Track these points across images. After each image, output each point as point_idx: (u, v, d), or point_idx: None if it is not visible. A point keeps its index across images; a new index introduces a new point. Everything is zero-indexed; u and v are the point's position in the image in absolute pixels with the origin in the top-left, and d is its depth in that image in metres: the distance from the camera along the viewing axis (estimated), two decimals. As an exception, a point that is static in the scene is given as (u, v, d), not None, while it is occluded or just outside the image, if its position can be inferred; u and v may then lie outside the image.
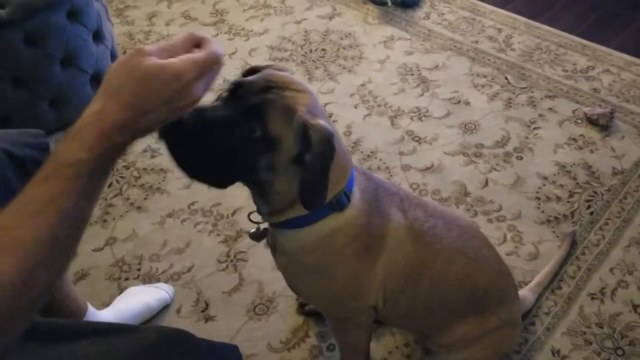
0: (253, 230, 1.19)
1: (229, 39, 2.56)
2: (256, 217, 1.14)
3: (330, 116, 2.18)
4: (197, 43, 0.81)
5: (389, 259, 1.15)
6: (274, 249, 1.19)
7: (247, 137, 0.93)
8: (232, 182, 1.00)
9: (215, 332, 1.56)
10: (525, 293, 1.55)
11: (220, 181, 0.99)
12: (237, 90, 0.96)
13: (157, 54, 0.76)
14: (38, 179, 0.68)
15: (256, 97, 0.94)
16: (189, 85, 0.76)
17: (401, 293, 1.21)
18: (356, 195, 1.09)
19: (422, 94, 2.28)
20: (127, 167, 2.01)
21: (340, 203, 1.07)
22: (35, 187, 0.68)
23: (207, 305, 1.63)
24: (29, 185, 0.68)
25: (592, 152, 2.05)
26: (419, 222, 1.18)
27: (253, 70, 1.03)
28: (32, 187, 0.68)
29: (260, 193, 1.04)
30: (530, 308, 1.58)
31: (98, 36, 2.19)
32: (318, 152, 0.93)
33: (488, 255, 1.30)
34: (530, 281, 1.62)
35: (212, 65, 0.79)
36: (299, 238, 1.10)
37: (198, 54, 0.78)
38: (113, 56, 2.33)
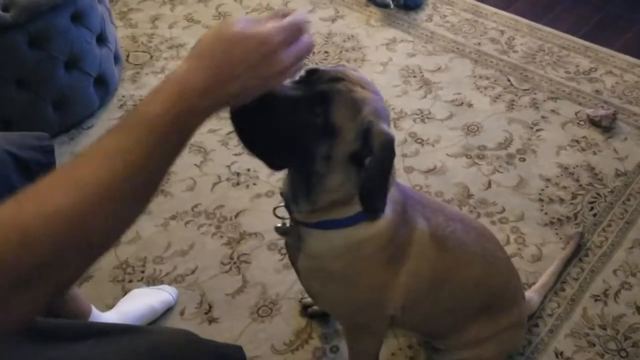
0: (279, 225, 1.16)
1: (231, 42, 2.56)
2: (281, 212, 1.13)
3: (333, 118, 2.19)
4: (284, 15, 0.79)
5: (413, 269, 1.14)
6: (298, 249, 1.14)
7: (310, 120, 0.92)
8: (286, 166, 1.01)
9: (218, 334, 1.57)
10: (531, 295, 1.56)
11: (275, 161, 0.99)
12: (310, 76, 0.96)
13: (246, 22, 0.74)
14: (113, 128, 0.65)
15: (326, 84, 0.94)
16: (275, 51, 0.73)
17: (424, 300, 1.20)
18: (388, 206, 1.06)
19: (425, 96, 2.28)
20: (130, 170, 2.01)
21: (375, 213, 1.03)
22: (108, 136, 0.65)
23: (210, 307, 1.64)
24: (103, 135, 0.65)
25: (594, 153, 2.05)
26: (441, 228, 1.17)
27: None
28: (105, 136, 0.65)
29: (308, 187, 1.01)
30: (536, 309, 1.58)
31: (102, 39, 2.20)
32: (379, 156, 0.93)
33: (502, 257, 1.32)
34: (534, 283, 1.63)
35: (298, 28, 0.77)
36: (329, 240, 1.08)
37: (283, 21, 0.76)
38: (116, 59, 2.33)
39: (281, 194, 1.12)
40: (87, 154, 0.64)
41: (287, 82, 0.93)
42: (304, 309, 1.61)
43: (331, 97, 0.93)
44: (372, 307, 1.19)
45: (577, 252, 1.74)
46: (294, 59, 0.77)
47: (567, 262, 1.70)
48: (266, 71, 0.73)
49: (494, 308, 1.30)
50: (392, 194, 1.08)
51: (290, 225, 1.14)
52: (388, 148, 0.93)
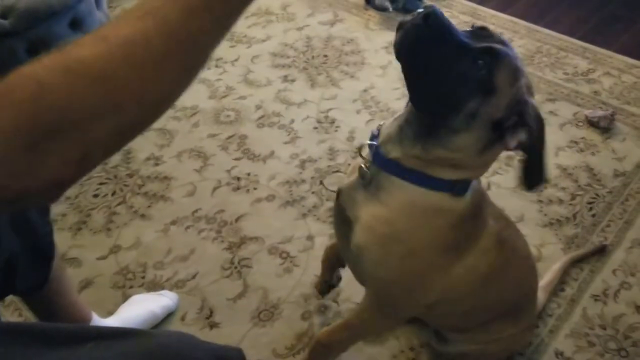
0: (364, 169, 1.06)
1: (230, 47, 2.58)
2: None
3: (333, 122, 2.19)
4: None
5: (472, 264, 1.11)
6: (365, 200, 1.07)
7: (472, 71, 0.91)
8: (430, 108, 0.96)
9: (220, 338, 1.57)
10: (537, 294, 1.56)
11: (423, 99, 0.96)
12: (480, 31, 0.96)
13: None
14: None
15: (499, 44, 0.93)
16: None
17: (467, 296, 1.17)
18: (469, 191, 1.05)
19: (424, 99, 2.28)
20: (130, 175, 2.02)
21: (461, 188, 1.03)
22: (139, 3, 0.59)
23: (211, 312, 1.64)
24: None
25: (593, 154, 2.05)
26: (502, 229, 1.18)
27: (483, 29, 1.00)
28: (140, 1, 0.59)
29: (435, 137, 0.97)
30: (542, 308, 1.59)
31: (101, 46, 2.21)
32: (536, 131, 0.93)
33: (533, 263, 1.35)
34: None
35: None
36: (409, 194, 1.03)
37: None
38: (116, 65, 2.34)
39: (378, 131, 1.07)
40: (121, 16, 0.59)
41: (460, 30, 0.93)
42: (324, 284, 1.55)
43: (501, 57, 0.92)
44: (417, 290, 1.13)
45: (590, 257, 1.73)
46: None
47: (575, 262, 1.71)
48: None
49: (522, 309, 1.33)
50: (475, 184, 1.08)
51: (368, 170, 1.06)
52: (541, 123, 0.94)
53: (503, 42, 0.95)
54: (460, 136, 0.95)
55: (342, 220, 1.14)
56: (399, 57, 0.92)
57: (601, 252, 1.74)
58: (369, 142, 1.07)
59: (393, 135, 1.02)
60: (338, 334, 1.29)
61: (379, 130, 1.07)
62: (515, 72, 0.94)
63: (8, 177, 0.55)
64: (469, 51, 0.90)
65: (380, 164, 1.04)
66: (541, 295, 1.57)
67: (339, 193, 1.15)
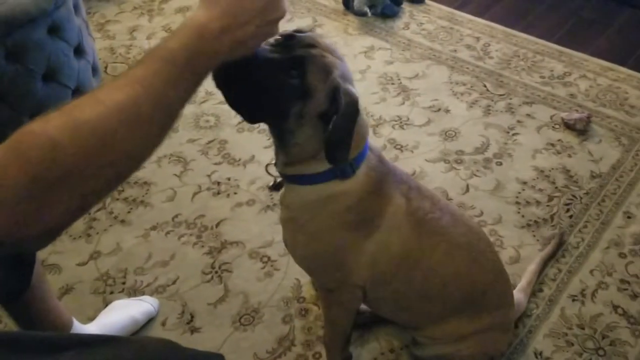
0: (272, 183, 1.28)
1: (210, 52, 2.58)
2: (273, 170, 1.21)
3: (313, 126, 2.20)
4: None
5: (383, 240, 1.20)
6: (282, 203, 1.24)
7: (286, 82, 1.01)
8: (261, 120, 1.09)
9: (201, 343, 1.56)
10: (519, 296, 1.58)
11: (252, 116, 1.08)
12: (288, 40, 1.05)
13: None
14: (136, 62, 0.70)
15: (303, 50, 1.03)
16: None
17: (394, 277, 1.25)
18: (362, 170, 1.15)
19: (403, 103, 2.31)
20: (110, 181, 2.01)
21: (343, 172, 1.13)
22: (131, 68, 0.70)
23: (192, 317, 1.64)
24: (127, 68, 0.72)
25: (570, 156, 2.08)
26: (423, 211, 1.23)
27: (297, 31, 1.10)
28: (128, 69, 0.70)
29: (282, 141, 1.11)
30: (524, 309, 1.60)
31: (79, 51, 2.20)
32: (345, 113, 1.02)
33: (491, 259, 1.34)
34: (514, 284, 1.64)
35: None
36: (301, 195, 1.17)
37: None
38: (95, 71, 2.33)
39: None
40: (109, 83, 0.68)
41: (266, 44, 1.02)
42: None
43: (307, 62, 1.02)
44: (337, 267, 1.24)
45: (557, 251, 1.77)
46: (287, 6, 0.84)
47: (547, 261, 1.73)
48: (272, 15, 0.80)
49: (477, 306, 1.32)
50: (371, 162, 1.17)
51: (280, 181, 1.24)
52: (353, 106, 1.04)
53: (310, 45, 1.04)
54: (300, 134, 1.07)
55: None
56: (221, 89, 1.01)
57: (561, 239, 1.78)
58: (272, 162, 1.22)
59: (276, 157, 1.18)
60: (326, 330, 1.44)
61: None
62: (325, 69, 1.03)
63: (15, 224, 0.62)
64: (280, 65, 1.01)
65: (282, 178, 1.21)
66: (522, 297, 1.59)
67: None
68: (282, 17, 0.83)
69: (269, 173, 1.25)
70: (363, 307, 1.60)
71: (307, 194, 1.16)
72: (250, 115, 1.07)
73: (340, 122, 1.02)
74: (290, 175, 1.16)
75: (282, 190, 1.23)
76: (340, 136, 1.04)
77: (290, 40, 1.05)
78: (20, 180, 0.61)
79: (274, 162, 1.20)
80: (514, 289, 1.61)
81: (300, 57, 1.02)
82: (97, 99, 0.66)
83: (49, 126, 0.63)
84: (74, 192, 0.65)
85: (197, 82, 0.75)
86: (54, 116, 0.64)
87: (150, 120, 0.69)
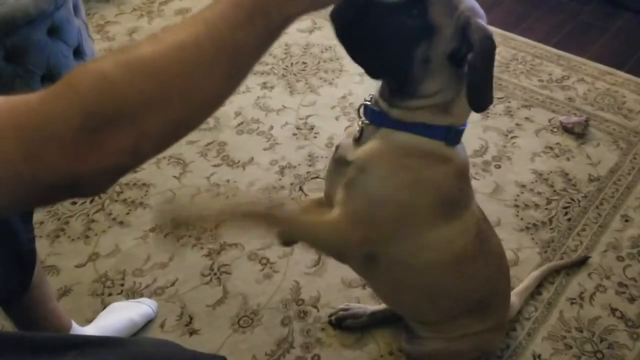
0: (359, 130, 1.09)
1: (209, 54, 2.58)
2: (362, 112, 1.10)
3: (312, 128, 2.21)
4: None
5: (447, 236, 1.11)
6: (356, 143, 1.08)
7: (407, 22, 0.92)
8: (384, 73, 1.00)
9: (199, 345, 1.56)
10: (513, 299, 1.58)
11: (374, 68, 0.99)
12: None
13: None
14: (202, 8, 0.64)
15: None
16: None
17: (442, 270, 1.16)
18: (462, 146, 1.07)
19: (402, 106, 2.31)
20: (109, 183, 2.01)
21: (453, 138, 1.04)
22: (194, 14, 0.64)
23: (191, 319, 1.63)
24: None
25: (568, 159, 2.09)
26: (482, 219, 1.21)
27: None
28: (191, 15, 0.65)
29: (405, 96, 1.01)
30: (515, 313, 1.61)
31: (79, 52, 2.20)
32: (480, 51, 0.91)
33: (506, 265, 1.37)
34: (512, 287, 1.65)
35: None
36: (401, 139, 1.03)
37: None
38: (94, 72, 2.33)
39: (371, 98, 1.09)
40: (174, 25, 0.65)
41: None
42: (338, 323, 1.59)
43: None
44: (395, 218, 1.07)
45: (570, 267, 1.75)
46: None
47: (555, 272, 1.73)
48: None
49: (489, 308, 1.33)
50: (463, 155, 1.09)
51: (363, 127, 1.09)
52: (487, 41, 0.92)
53: None
54: (426, 83, 0.97)
55: (339, 165, 1.12)
56: (342, 42, 0.95)
57: (582, 263, 1.76)
58: (363, 102, 1.10)
59: (379, 94, 1.06)
60: (303, 237, 1.17)
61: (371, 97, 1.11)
62: (450, 3, 0.94)
63: (69, 158, 0.59)
64: (400, 6, 0.91)
65: (372, 119, 1.07)
66: (516, 301, 1.59)
67: (337, 147, 1.16)
68: None
69: (359, 115, 1.09)
70: (361, 309, 1.61)
71: (408, 140, 1.02)
72: (372, 67, 0.99)
73: (477, 61, 0.92)
74: (395, 120, 1.03)
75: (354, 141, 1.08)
76: (480, 78, 0.93)
77: None
78: (71, 113, 0.58)
79: (366, 102, 1.08)
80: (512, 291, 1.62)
81: None
82: (156, 38, 0.62)
83: (103, 62, 0.61)
84: (128, 130, 0.60)
85: (272, 30, 0.67)
86: (111, 54, 0.62)
87: (212, 63, 0.63)
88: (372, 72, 1.00)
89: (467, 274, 1.22)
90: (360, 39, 0.94)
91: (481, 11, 0.96)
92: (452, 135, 1.04)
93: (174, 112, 0.63)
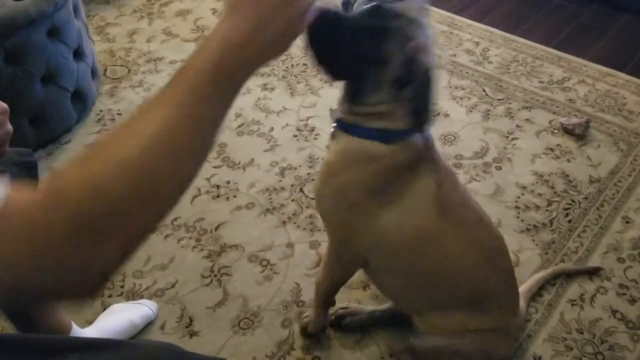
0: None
1: (210, 55, 2.58)
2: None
3: (313, 130, 2.20)
4: None
5: (402, 213, 1.23)
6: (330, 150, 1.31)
7: (364, 51, 1.10)
8: (343, 78, 1.19)
9: (200, 347, 1.56)
10: (520, 303, 1.57)
11: (334, 74, 1.19)
12: (375, 10, 1.11)
13: None
14: (166, 84, 0.67)
15: (386, 20, 1.10)
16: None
17: (402, 251, 1.28)
18: (406, 144, 1.21)
19: (402, 107, 2.30)
20: (109, 184, 2.00)
21: (389, 137, 1.20)
22: (162, 89, 0.67)
23: (191, 320, 1.63)
24: (158, 90, 0.67)
25: (569, 161, 2.09)
26: (451, 201, 1.26)
27: None
28: (159, 90, 0.67)
29: (355, 97, 1.19)
30: (524, 316, 1.59)
31: (79, 54, 2.20)
32: (420, 83, 1.11)
33: (505, 266, 1.37)
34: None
35: None
36: (346, 143, 1.24)
37: None
38: (94, 74, 2.33)
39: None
40: (142, 107, 0.66)
41: (356, 11, 1.11)
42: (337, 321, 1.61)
43: (389, 32, 1.10)
44: (346, 224, 1.29)
45: (576, 274, 1.75)
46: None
47: (560, 276, 1.73)
48: (293, 12, 0.73)
49: (481, 305, 1.33)
50: (415, 141, 1.22)
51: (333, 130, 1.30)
52: (428, 75, 1.11)
53: (396, 14, 1.11)
54: (372, 95, 1.16)
55: None
56: (312, 50, 1.12)
57: (593, 273, 1.74)
58: (333, 108, 1.30)
59: (339, 101, 1.25)
60: (320, 275, 1.47)
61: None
62: (404, 39, 1.10)
63: (58, 268, 0.60)
64: (364, 34, 1.09)
65: (335, 123, 1.28)
66: (523, 305, 1.58)
67: None
68: (305, 11, 0.74)
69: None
70: (360, 307, 1.61)
71: (350, 144, 1.23)
72: (332, 73, 1.18)
73: (417, 91, 1.12)
74: (346, 123, 1.24)
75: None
76: (419, 104, 1.13)
77: (377, 10, 1.11)
78: (62, 223, 0.59)
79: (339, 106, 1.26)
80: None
81: (383, 27, 1.10)
82: (133, 131, 0.63)
83: (89, 165, 0.62)
84: (119, 233, 0.62)
85: (232, 96, 0.70)
86: (93, 153, 0.63)
87: (187, 148, 0.66)
88: (332, 77, 1.20)
89: (438, 256, 1.27)
90: (327, 51, 1.12)
91: (429, 47, 1.14)
92: (387, 135, 1.20)
93: (159, 203, 0.65)
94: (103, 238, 0.61)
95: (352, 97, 1.20)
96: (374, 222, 1.25)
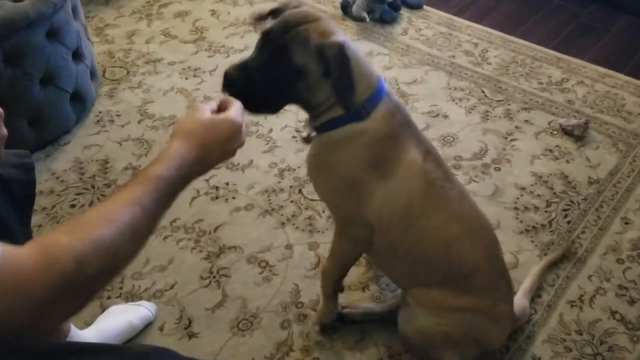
0: (305, 134, 1.43)
1: (209, 56, 2.58)
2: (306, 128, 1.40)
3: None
4: (220, 106, 1.05)
5: (395, 188, 1.28)
6: (311, 149, 1.38)
7: (282, 72, 1.18)
8: (283, 106, 1.27)
9: (199, 348, 1.56)
10: (523, 302, 1.58)
11: (275, 109, 1.27)
12: (265, 38, 1.20)
13: (208, 111, 1.01)
14: (129, 183, 0.87)
15: (279, 39, 1.18)
16: (240, 130, 1.01)
17: (392, 227, 1.32)
18: (378, 113, 1.26)
19: (401, 108, 2.30)
20: (108, 185, 2.01)
21: (357, 114, 1.25)
22: (126, 188, 0.85)
23: (190, 322, 1.63)
24: (118, 190, 0.86)
25: (568, 162, 2.09)
26: (435, 176, 1.30)
27: (277, 10, 1.27)
28: (123, 189, 0.86)
29: (307, 107, 1.27)
30: (530, 313, 1.61)
31: (78, 55, 2.20)
32: (335, 63, 1.16)
33: (488, 245, 1.38)
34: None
35: (243, 110, 1.05)
36: (327, 138, 1.30)
37: (236, 107, 1.03)
38: (93, 75, 2.33)
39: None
40: (112, 201, 0.84)
41: (254, 52, 1.21)
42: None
43: (287, 48, 1.17)
44: (352, 198, 1.32)
45: (563, 258, 1.77)
46: (247, 134, 1.05)
47: (552, 265, 1.74)
48: (234, 145, 1.01)
49: (464, 284, 1.34)
50: (389, 109, 1.27)
51: (312, 134, 1.38)
52: (338, 52, 1.16)
53: (285, 29, 1.18)
54: (315, 97, 1.23)
55: None
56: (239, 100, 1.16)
57: (571, 252, 1.79)
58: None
59: (306, 121, 1.36)
60: (328, 262, 1.50)
61: None
62: (304, 43, 1.16)
63: (31, 322, 0.73)
64: (271, 64, 1.18)
65: (311, 132, 1.37)
66: (526, 303, 1.59)
67: None
68: (241, 146, 1.02)
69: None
70: (356, 304, 1.62)
71: (331, 136, 1.29)
72: (273, 109, 1.26)
73: (336, 73, 1.17)
74: (318, 125, 1.30)
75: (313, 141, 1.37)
76: (342, 84, 1.18)
77: (268, 34, 1.19)
78: (47, 289, 0.71)
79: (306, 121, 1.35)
80: (515, 293, 1.61)
81: (281, 47, 1.17)
82: (108, 219, 0.79)
83: (77, 238, 0.75)
84: (86, 297, 0.79)
85: (176, 197, 0.92)
86: (80, 227, 0.78)
87: (146, 235, 0.86)
88: (274, 112, 1.28)
89: (422, 230, 1.31)
90: (254, 99, 1.19)
91: (331, 27, 1.21)
92: (358, 112, 1.25)
93: (117, 272, 0.84)
94: (74, 299, 0.76)
95: (306, 109, 1.28)
96: (375, 192, 1.29)
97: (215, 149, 0.97)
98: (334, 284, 1.51)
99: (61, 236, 0.75)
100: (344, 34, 1.24)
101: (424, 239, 1.32)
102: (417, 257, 1.35)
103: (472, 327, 1.37)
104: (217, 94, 2.36)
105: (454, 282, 1.34)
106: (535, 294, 1.67)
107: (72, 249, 0.74)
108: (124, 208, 0.81)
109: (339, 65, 1.17)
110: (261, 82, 1.18)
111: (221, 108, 1.04)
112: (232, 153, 1.02)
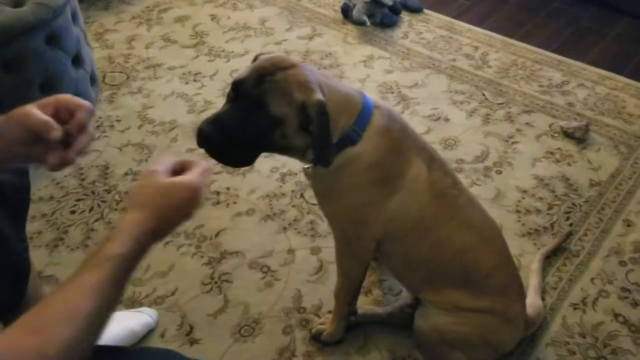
0: (306, 167, 1.37)
1: (209, 61, 2.58)
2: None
3: (312, 135, 2.20)
4: (181, 166, 1.00)
5: (403, 201, 1.27)
6: (313, 180, 1.37)
7: (258, 124, 1.15)
8: (258, 156, 1.23)
9: (200, 355, 1.55)
10: (534, 300, 1.59)
11: (250, 161, 1.24)
12: (238, 88, 1.17)
13: (165, 172, 0.96)
14: (86, 265, 0.85)
15: (253, 90, 1.15)
16: (199, 194, 0.95)
17: (405, 237, 1.33)
18: (372, 131, 1.24)
19: (403, 112, 2.30)
20: (108, 191, 2.00)
21: (350, 138, 1.23)
22: (84, 272, 0.84)
23: (191, 328, 1.62)
24: (78, 271, 0.84)
25: (569, 164, 2.08)
26: (443, 185, 1.30)
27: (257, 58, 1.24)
28: (81, 272, 0.84)
29: (286, 152, 1.25)
30: (544, 312, 1.61)
31: (77, 61, 2.20)
32: (317, 122, 1.15)
33: (500, 247, 1.39)
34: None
35: (208, 174, 1.00)
36: (324, 170, 1.25)
37: (198, 169, 0.97)
38: (92, 80, 2.33)
39: None
40: (72, 289, 0.83)
41: (225, 104, 1.19)
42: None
43: (263, 99, 1.14)
44: (359, 221, 1.32)
45: (557, 249, 1.79)
46: (207, 195, 1.03)
47: (548, 257, 1.76)
48: (193, 208, 0.96)
49: (478, 286, 1.34)
50: (381, 121, 1.25)
51: (307, 170, 1.38)
52: (320, 113, 1.15)
53: (258, 80, 1.15)
54: (293, 145, 1.21)
55: None
56: (222, 163, 1.23)
57: (567, 238, 1.80)
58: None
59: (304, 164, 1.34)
60: (337, 283, 1.49)
61: None
62: (282, 93, 1.14)
63: None
64: (245, 116, 1.15)
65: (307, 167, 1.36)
66: (538, 301, 1.60)
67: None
68: (197, 210, 0.97)
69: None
70: (357, 306, 1.61)
71: (328, 169, 1.25)
72: (248, 161, 1.24)
73: (316, 130, 1.15)
74: (311, 159, 1.26)
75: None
76: (322, 141, 1.16)
77: (240, 86, 1.16)
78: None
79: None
80: (532, 292, 1.62)
81: (256, 99, 1.14)
82: (69, 314, 0.80)
83: (45, 344, 0.76)
84: None
85: (137, 266, 0.89)
86: (43, 328, 0.77)
87: (108, 319, 0.85)
88: (249, 164, 1.26)
89: (436, 240, 1.31)
90: (228, 150, 1.18)
91: (312, 76, 1.18)
92: (347, 138, 1.23)
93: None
94: None
95: (286, 154, 1.26)
96: (383, 210, 1.28)
97: (172, 217, 0.93)
98: (348, 305, 1.52)
99: (30, 337, 0.76)
100: (319, 74, 1.23)
101: (438, 248, 1.32)
102: (431, 264, 1.35)
103: (487, 329, 1.37)
104: (218, 99, 2.36)
105: (469, 285, 1.34)
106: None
107: (44, 355, 0.75)
108: (85, 298, 0.81)
109: (320, 124, 1.15)
110: (237, 136, 1.15)
111: (182, 168, 0.99)
112: (190, 216, 0.97)
